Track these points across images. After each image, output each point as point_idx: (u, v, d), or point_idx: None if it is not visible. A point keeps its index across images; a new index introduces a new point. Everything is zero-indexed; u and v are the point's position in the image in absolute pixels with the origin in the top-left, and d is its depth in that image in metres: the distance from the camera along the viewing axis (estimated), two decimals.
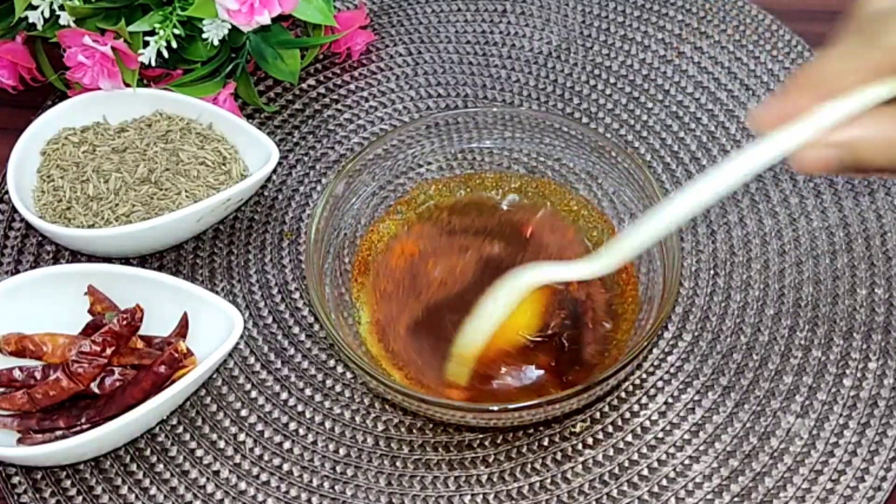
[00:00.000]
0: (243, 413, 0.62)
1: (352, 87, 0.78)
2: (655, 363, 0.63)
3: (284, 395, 0.63)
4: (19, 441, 0.58)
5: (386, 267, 0.64)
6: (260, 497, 0.59)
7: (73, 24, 0.69)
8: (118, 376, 0.59)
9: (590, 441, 0.60)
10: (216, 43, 0.70)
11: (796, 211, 0.69)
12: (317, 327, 0.65)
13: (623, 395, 0.62)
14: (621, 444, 0.60)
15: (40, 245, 0.70)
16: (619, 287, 0.62)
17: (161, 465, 0.60)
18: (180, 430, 0.61)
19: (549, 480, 0.59)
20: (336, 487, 0.59)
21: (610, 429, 0.61)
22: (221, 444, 0.61)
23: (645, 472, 0.59)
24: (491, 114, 0.66)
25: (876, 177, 0.48)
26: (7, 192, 0.68)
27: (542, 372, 0.59)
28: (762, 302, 0.65)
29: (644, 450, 0.60)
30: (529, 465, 0.59)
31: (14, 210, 0.70)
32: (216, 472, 0.60)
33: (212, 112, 0.70)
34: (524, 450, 0.60)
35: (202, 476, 0.60)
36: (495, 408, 0.55)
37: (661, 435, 0.60)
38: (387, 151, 0.65)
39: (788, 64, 0.77)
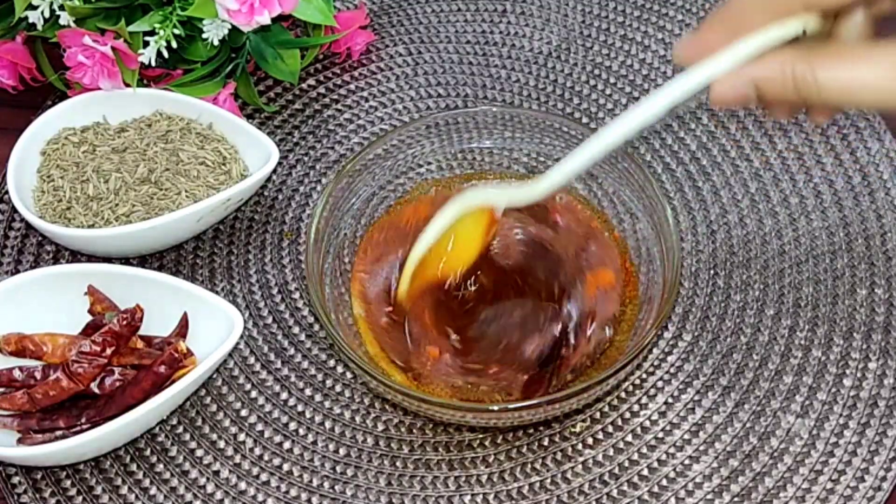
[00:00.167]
0: (243, 413, 0.62)
1: (352, 87, 0.78)
2: (655, 363, 0.63)
3: (284, 395, 0.63)
4: (19, 441, 0.58)
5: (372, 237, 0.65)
6: (260, 497, 0.59)
7: (73, 24, 0.69)
8: (118, 376, 0.59)
9: (590, 441, 0.60)
10: (216, 43, 0.70)
11: (796, 211, 0.69)
12: (317, 327, 0.65)
13: (623, 395, 0.62)
14: (621, 444, 0.60)
15: (40, 245, 0.70)
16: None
17: (161, 465, 0.60)
18: (180, 430, 0.61)
19: (549, 480, 0.59)
20: (336, 487, 0.59)
21: (610, 429, 0.61)
22: (221, 444, 0.61)
23: (645, 472, 0.59)
24: (491, 114, 0.66)
25: (772, 115, 0.53)
26: (7, 192, 0.68)
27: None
28: (762, 302, 0.65)
29: (644, 450, 0.60)
30: (529, 465, 0.59)
31: (14, 210, 0.70)
32: (216, 472, 0.60)
33: (212, 112, 0.70)
34: (524, 450, 0.60)
35: (202, 476, 0.60)
36: (495, 408, 0.55)
37: (661, 435, 0.60)
38: (387, 151, 0.65)
39: None
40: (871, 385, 0.62)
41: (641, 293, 0.61)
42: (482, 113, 0.66)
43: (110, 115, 0.71)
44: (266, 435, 0.61)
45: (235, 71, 0.74)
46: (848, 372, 0.62)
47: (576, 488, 0.59)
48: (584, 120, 0.75)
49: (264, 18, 0.68)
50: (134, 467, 0.60)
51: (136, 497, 0.59)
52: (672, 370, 0.63)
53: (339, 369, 0.64)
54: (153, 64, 0.69)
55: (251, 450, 0.61)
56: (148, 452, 0.61)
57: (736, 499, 0.58)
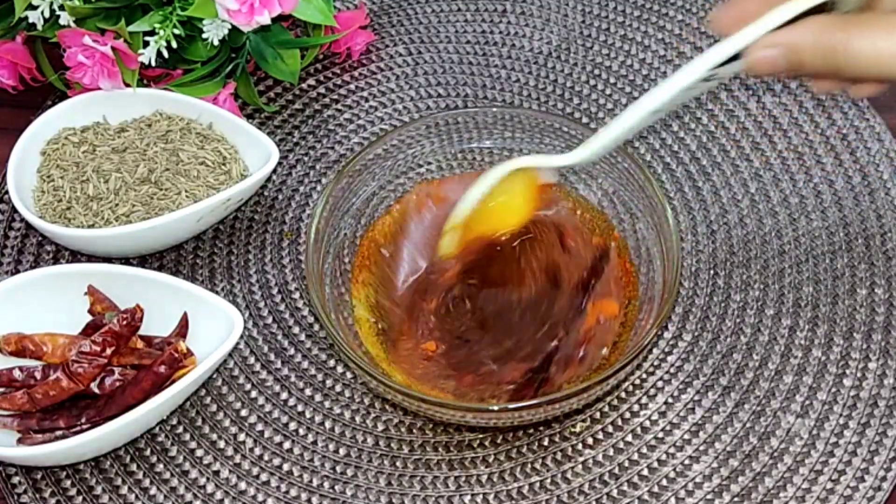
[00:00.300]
0: (243, 413, 0.62)
1: (352, 87, 0.78)
2: (655, 363, 0.63)
3: (284, 395, 0.63)
4: (19, 441, 0.58)
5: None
6: (260, 497, 0.59)
7: (73, 24, 0.69)
8: (118, 376, 0.59)
9: (590, 441, 0.60)
10: (216, 43, 0.70)
11: (796, 211, 0.69)
12: (317, 327, 0.65)
13: (623, 395, 0.62)
14: (621, 444, 0.60)
15: (40, 245, 0.70)
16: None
17: (161, 465, 0.60)
18: (180, 430, 0.61)
19: (549, 480, 0.59)
20: (336, 487, 0.59)
21: (610, 429, 0.61)
22: (221, 444, 0.61)
23: (645, 472, 0.59)
24: (491, 114, 0.66)
25: (816, 86, 0.55)
26: (7, 192, 0.68)
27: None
28: (762, 302, 0.65)
29: (644, 450, 0.60)
30: (529, 465, 0.59)
31: (14, 210, 0.70)
32: (216, 472, 0.60)
33: (212, 112, 0.70)
34: (524, 450, 0.60)
35: (202, 476, 0.60)
36: (495, 408, 0.55)
37: (661, 435, 0.60)
38: (387, 151, 0.65)
39: None
40: (871, 385, 0.62)
41: (641, 293, 0.61)
42: (482, 113, 0.66)
43: (110, 115, 0.71)
44: (266, 435, 0.61)
45: (235, 71, 0.74)
46: (848, 372, 0.62)
47: (576, 488, 0.59)
48: (584, 120, 0.75)
49: (264, 18, 0.68)
50: (134, 467, 0.60)
51: (136, 497, 0.59)
52: (672, 370, 0.63)
53: (339, 369, 0.64)
54: (153, 64, 0.69)
55: (251, 450, 0.61)
56: (148, 452, 0.61)
57: (736, 499, 0.58)
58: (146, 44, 0.68)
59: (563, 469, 0.59)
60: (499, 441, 0.60)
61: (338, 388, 0.63)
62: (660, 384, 0.62)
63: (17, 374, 0.59)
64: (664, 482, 0.59)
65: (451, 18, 0.81)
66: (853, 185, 0.70)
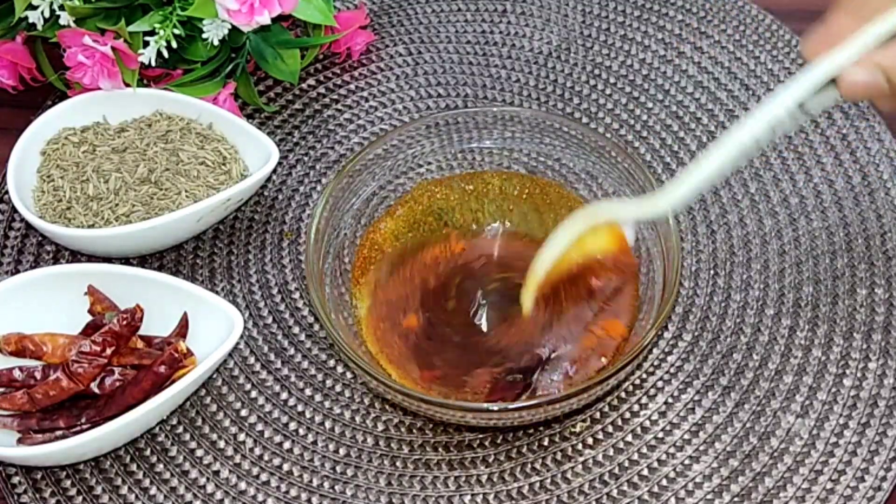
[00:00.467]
0: (243, 413, 0.62)
1: (352, 87, 0.78)
2: (655, 363, 0.63)
3: (284, 395, 0.63)
4: (19, 441, 0.58)
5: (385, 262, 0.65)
6: (260, 497, 0.59)
7: (73, 24, 0.69)
8: (118, 376, 0.59)
9: (590, 441, 0.60)
10: (216, 43, 0.70)
11: (796, 211, 0.69)
12: (317, 327, 0.65)
13: (623, 395, 0.62)
14: (621, 444, 0.60)
15: (40, 245, 0.70)
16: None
17: (161, 465, 0.60)
18: (180, 430, 0.61)
19: (549, 480, 0.59)
20: (336, 487, 0.59)
21: (610, 429, 0.61)
22: (221, 444, 0.61)
23: (645, 472, 0.59)
24: (491, 114, 0.66)
25: (888, 107, 0.49)
26: (7, 192, 0.68)
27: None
28: (762, 302, 0.65)
29: (644, 450, 0.60)
30: (529, 465, 0.59)
31: (14, 210, 0.70)
32: (216, 472, 0.60)
33: (212, 112, 0.70)
34: (524, 450, 0.60)
35: (202, 476, 0.60)
36: (495, 408, 0.55)
37: (661, 435, 0.60)
38: (387, 151, 0.65)
39: (788, 64, 0.77)
40: (871, 385, 0.62)
41: (641, 293, 0.61)
42: (482, 113, 0.66)
43: (110, 115, 0.71)
44: (266, 435, 0.61)
45: (235, 71, 0.74)
46: (848, 372, 0.62)
47: (576, 488, 0.59)
48: (585, 120, 0.75)
49: (264, 18, 0.68)
50: (134, 467, 0.60)
51: (136, 497, 0.59)
52: (672, 370, 0.63)
53: (339, 369, 0.64)
54: (153, 64, 0.69)
55: (251, 450, 0.61)
56: (148, 452, 0.61)
57: (736, 499, 0.58)
58: (146, 44, 0.68)
59: (563, 469, 0.59)
60: (499, 441, 0.60)
61: (338, 388, 0.63)
62: (660, 384, 0.62)
63: (17, 374, 0.59)
64: (664, 482, 0.59)
65: (451, 18, 0.81)
66: (853, 185, 0.70)
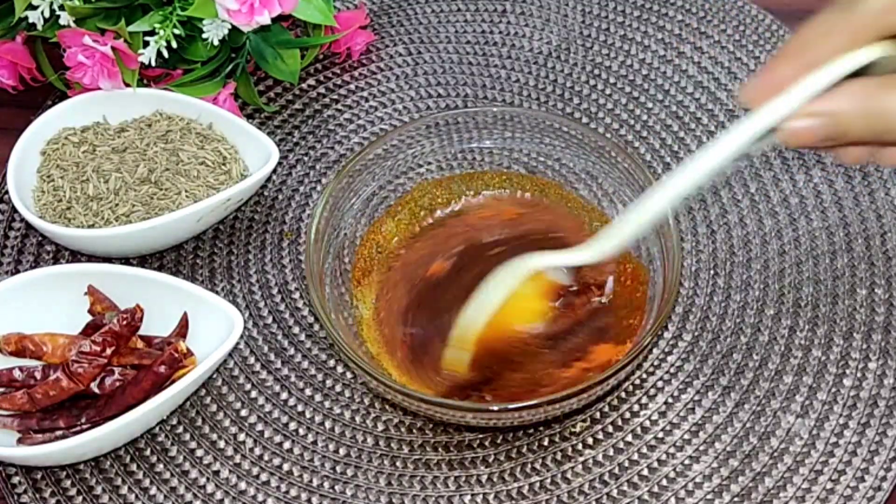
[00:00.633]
0: (243, 413, 0.62)
1: (352, 87, 0.78)
2: (655, 363, 0.63)
3: (284, 395, 0.63)
4: (19, 441, 0.58)
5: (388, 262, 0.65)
6: (260, 497, 0.59)
7: (73, 24, 0.69)
8: (118, 376, 0.59)
9: (590, 441, 0.60)
10: (216, 43, 0.70)
11: (796, 211, 0.69)
12: (317, 327, 0.65)
13: (623, 395, 0.62)
14: (621, 444, 0.60)
15: (40, 245, 0.70)
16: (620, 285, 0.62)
17: (161, 465, 0.60)
18: (180, 430, 0.61)
19: (549, 480, 0.59)
20: (336, 487, 0.59)
21: (610, 429, 0.61)
22: (221, 444, 0.61)
23: (645, 472, 0.59)
24: (491, 114, 0.66)
25: (847, 156, 0.50)
26: (7, 192, 0.68)
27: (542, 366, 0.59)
28: (762, 302, 0.65)
29: (644, 450, 0.60)
30: (529, 465, 0.59)
31: (14, 210, 0.70)
32: (216, 472, 0.60)
33: (212, 112, 0.70)
34: (524, 450, 0.60)
35: (202, 476, 0.60)
36: (495, 408, 0.55)
37: (661, 435, 0.60)
38: (387, 151, 0.65)
39: None
40: (871, 385, 0.62)
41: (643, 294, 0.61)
42: (482, 113, 0.66)
43: (110, 115, 0.71)
44: (266, 435, 0.61)
45: (235, 71, 0.74)
46: (848, 372, 0.62)
47: (576, 488, 0.59)
48: (585, 120, 0.75)
49: (264, 18, 0.68)
50: (134, 467, 0.60)
51: (136, 497, 0.59)
52: (672, 370, 0.63)
53: (339, 369, 0.64)
54: (153, 64, 0.69)
55: (251, 450, 0.61)
56: (148, 452, 0.61)
57: (736, 499, 0.58)
58: (146, 44, 0.68)
59: (563, 469, 0.59)
60: (499, 441, 0.60)
61: (338, 388, 0.63)
62: (660, 384, 0.62)
63: (17, 374, 0.59)
64: (664, 482, 0.59)
65: (451, 18, 0.81)
66: (853, 185, 0.70)
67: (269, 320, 0.66)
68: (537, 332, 0.60)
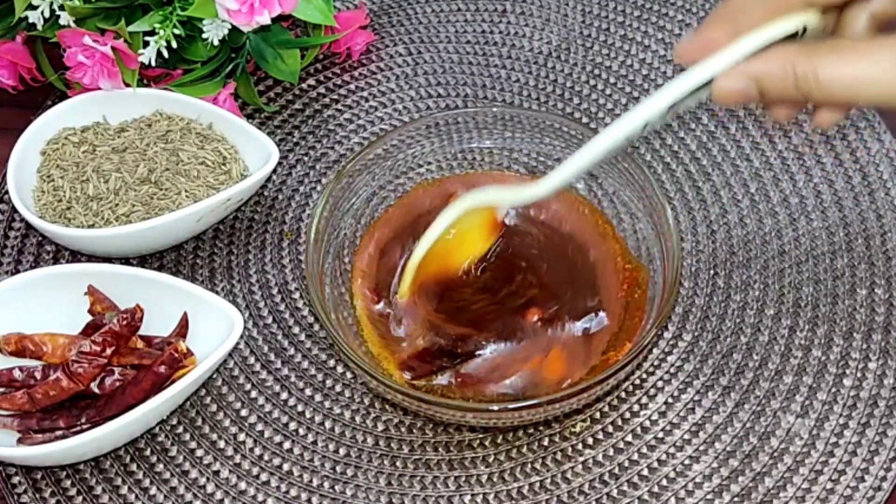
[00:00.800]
0: (243, 413, 0.62)
1: (352, 87, 0.78)
2: (655, 363, 0.63)
3: (284, 395, 0.63)
4: (19, 441, 0.58)
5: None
6: (260, 497, 0.59)
7: (73, 24, 0.69)
8: (118, 376, 0.59)
9: (590, 441, 0.60)
10: (216, 43, 0.70)
11: (796, 211, 0.69)
12: (317, 327, 0.65)
13: (623, 395, 0.62)
14: (621, 444, 0.60)
15: (40, 245, 0.70)
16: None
17: (161, 465, 0.60)
18: (180, 430, 0.61)
19: (549, 480, 0.59)
20: (336, 487, 0.59)
21: (610, 429, 0.61)
22: (221, 444, 0.61)
23: (645, 472, 0.59)
24: (491, 114, 0.66)
25: (775, 114, 0.53)
26: (7, 192, 0.68)
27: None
28: (762, 302, 0.65)
29: (644, 450, 0.60)
30: (529, 465, 0.59)
31: (14, 210, 0.70)
32: (216, 472, 0.60)
33: (212, 112, 0.70)
34: (524, 450, 0.60)
35: (202, 476, 0.60)
36: (495, 407, 0.55)
37: (661, 435, 0.60)
38: (387, 151, 0.65)
39: None
40: (871, 385, 0.62)
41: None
42: (482, 113, 0.66)
43: (110, 115, 0.71)
44: (266, 435, 0.61)
45: (235, 71, 0.74)
46: (848, 372, 0.62)
47: (576, 488, 0.59)
48: (584, 120, 0.75)
49: (264, 18, 0.68)
50: (134, 467, 0.60)
51: (136, 497, 0.59)
52: (672, 370, 0.63)
53: (339, 369, 0.64)
54: (153, 64, 0.69)
55: (251, 450, 0.61)
56: (148, 452, 0.61)
57: (736, 499, 0.58)
58: (146, 44, 0.68)
59: (563, 469, 0.59)
60: (499, 441, 0.60)
61: (338, 388, 0.63)
62: (660, 384, 0.62)
63: (17, 374, 0.59)
64: (664, 482, 0.59)
65: (451, 18, 0.81)
66: (853, 185, 0.70)
67: (269, 320, 0.66)
68: (482, 269, 0.62)
